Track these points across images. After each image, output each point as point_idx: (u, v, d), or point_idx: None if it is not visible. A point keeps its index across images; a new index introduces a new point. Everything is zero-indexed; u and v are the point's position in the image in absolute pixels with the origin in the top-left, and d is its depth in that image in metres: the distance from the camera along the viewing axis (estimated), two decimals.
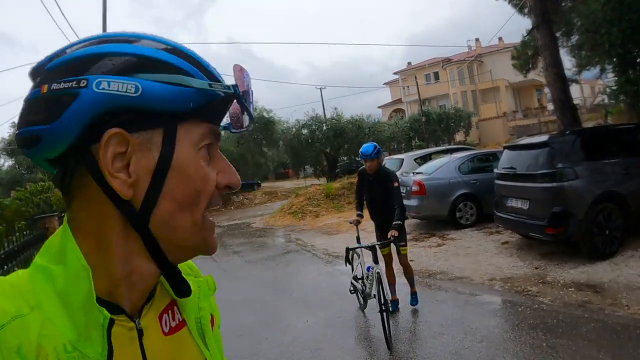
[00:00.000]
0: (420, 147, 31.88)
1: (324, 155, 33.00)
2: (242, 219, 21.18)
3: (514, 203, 8.55)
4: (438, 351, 5.12)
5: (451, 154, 13.82)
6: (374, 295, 5.72)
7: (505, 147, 9.62)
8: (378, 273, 5.69)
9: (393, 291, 6.56)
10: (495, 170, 9.46)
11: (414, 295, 6.62)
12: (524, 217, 8.25)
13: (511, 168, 8.70)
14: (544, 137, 8.69)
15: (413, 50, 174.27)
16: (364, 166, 6.46)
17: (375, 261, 5.88)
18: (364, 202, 6.75)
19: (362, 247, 6.21)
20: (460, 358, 4.89)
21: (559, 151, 7.75)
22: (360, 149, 6.31)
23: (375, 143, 6.47)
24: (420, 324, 6.06)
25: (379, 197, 6.39)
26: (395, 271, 6.73)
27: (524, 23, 53.88)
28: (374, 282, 5.77)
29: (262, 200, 29.41)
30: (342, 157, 35.97)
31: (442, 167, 12.16)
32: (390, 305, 5.81)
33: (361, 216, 6.69)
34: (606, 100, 20.81)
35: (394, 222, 5.95)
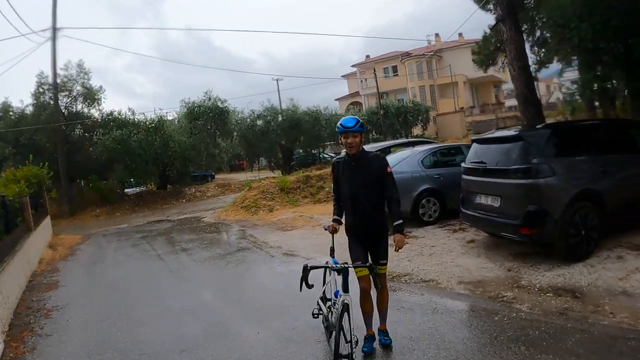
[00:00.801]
0: (378, 141, 31.60)
1: (279, 147, 32.48)
2: (193, 213, 20.37)
3: (483, 200, 8.00)
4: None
5: (413, 147, 13.27)
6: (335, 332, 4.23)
7: (474, 141, 9.02)
8: (346, 305, 4.22)
9: (369, 324, 4.94)
10: (463, 165, 8.86)
11: (384, 333, 5.08)
12: (494, 215, 7.70)
13: (481, 163, 8.14)
14: (516, 131, 8.14)
15: (372, 44, 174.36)
16: (337, 157, 5.09)
17: (345, 288, 4.28)
18: (342, 200, 5.04)
19: (332, 268, 4.37)
20: None
21: (534, 145, 7.22)
22: (340, 122, 4.66)
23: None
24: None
25: (363, 191, 4.74)
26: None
27: (484, 20, 54.53)
28: (339, 315, 4.19)
29: (215, 192, 28.63)
30: (297, 149, 35.44)
31: (404, 160, 11.56)
32: (353, 349, 4.23)
33: (339, 222, 5.02)
34: (571, 97, 20.78)
35: (396, 223, 4.70)
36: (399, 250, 4.77)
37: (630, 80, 13.88)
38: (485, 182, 7.97)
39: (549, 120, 15.17)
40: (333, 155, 38.75)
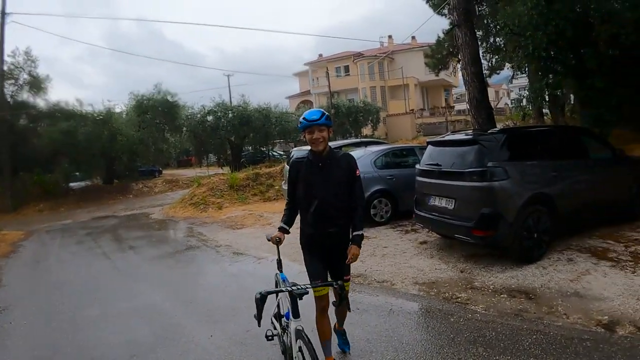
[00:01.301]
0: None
1: (229, 144, 32.10)
2: (140, 209, 19.89)
3: (437, 202, 8.02)
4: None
5: (365, 147, 13.24)
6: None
7: (429, 143, 9.05)
8: (299, 331, 3.62)
9: (328, 350, 4.33)
10: (418, 167, 8.89)
11: (343, 335, 4.83)
12: (448, 217, 7.73)
13: (436, 165, 8.16)
14: (472, 134, 8.24)
15: (325, 44, 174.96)
16: (295, 156, 4.48)
17: (296, 313, 3.63)
18: (297, 208, 4.38)
19: (294, 292, 3.53)
20: None
21: (489, 149, 7.28)
22: (303, 115, 4.04)
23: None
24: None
25: (332, 198, 4.08)
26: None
27: (438, 25, 55.87)
28: (295, 346, 3.69)
29: (163, 188, 28.08)
30: (247, 146, 35.13)
31: (357, 160, 11.46)
32: None
33: (286, 231, 4.36)
34: (523, 103, 21.37)
35: (355, 233, 4.07)
36: (350, 259, 4.00)
37: (580, 89, 14.34)
38: (440, 184, 7.99)
39: (498, 125, 15.52)
40: (282, 153, 38.57)
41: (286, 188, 14.63)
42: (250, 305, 6.35)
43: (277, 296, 4.61)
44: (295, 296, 3.53)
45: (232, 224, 13.79)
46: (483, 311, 5.65)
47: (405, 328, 5.36)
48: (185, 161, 50.37)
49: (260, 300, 3.44)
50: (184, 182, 29.40)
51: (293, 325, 3.65)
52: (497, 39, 19.53)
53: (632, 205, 9.00)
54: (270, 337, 4.48)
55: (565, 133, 9.27)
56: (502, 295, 6.05)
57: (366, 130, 42.51)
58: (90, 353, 5.36)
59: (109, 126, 26.56)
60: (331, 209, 4.07)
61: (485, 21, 19.84)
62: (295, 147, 24.74)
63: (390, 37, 59.01)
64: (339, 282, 3.60)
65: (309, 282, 3.97)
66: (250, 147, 36.03)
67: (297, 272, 8.08)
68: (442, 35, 23.87)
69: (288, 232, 4.38)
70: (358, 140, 19.58)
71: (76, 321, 6.57)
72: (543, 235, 7.31)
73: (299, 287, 3.56)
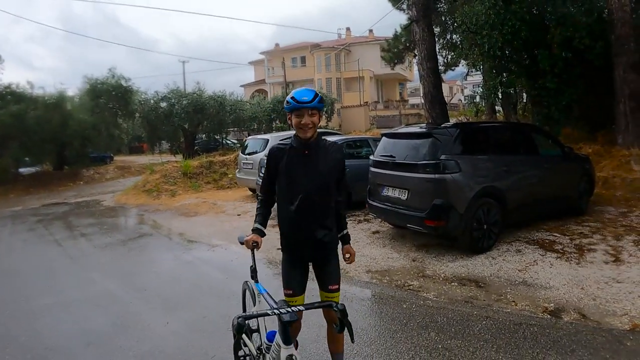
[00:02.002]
0: (281, 129, 31.56)
1: (182, 131, 31.68)
2: (91, 196, 19.45)
3: (390, 192, 8.15)
4: (322, 357, 4.49)
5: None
6: None
7: (383, 135, 9.18)
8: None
9: None
10: (372, 158, 9.02)
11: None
12: (401, 208, 7.88)
13: (390, 156, 8.29)
14: (426, 127, 8.43)
15: (283, 33, 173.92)
16: (276, 144, 3.63)
17: (287, 339, 2.82)
18: (275, 204, 3.69)
19: (280, 316, 2.75)
20: None
21: (442, 142, 7.46)
22: (291, 94, 3.36)
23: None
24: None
25: (319, 193, 3.44)
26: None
27: (396, 19, 56.17)
28: None
29: (114, 175, 27.56)
30: (201, 134, 34.73)
31: None
32: None
33: (262, 232, 3.61)
34: (477, 99, 21.84)
35: (346, 231, 3.74)
36: (347, 257, 3.66)
37: (532, 89, 14.80)
38: (394, 176, 8.12)
39: (451, 120, 15.84)
40: (236, 141, 38.26)
41: (241, 177, 14.36)
42: (206, 292, 6.43)
43: (244, 304, 4.10)
44: (285, 323, 2.71)
45: (186, 211, 13.67)
46: (434, 298, 5.83)
47: (359, 314, 5.46)
48: (137, 148, 49.42)
49: (238, 330, 2.70)
50: (136, 169, 28.93)
51: (284, 353, 2.80)
52: (454, 36, 19.88)
53: (579, 200, 9.43)
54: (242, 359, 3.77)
55: (517, 130, 9.56)
56: (452, 283, 6.25)
57: (320, 121, 42.62)
58: (45, 342, 5.21)
59: (60, 110, 25.66)
60: (317, 206, 3.45)
61: (443, 18, 20.18)
62: (249, 135, 24.63)
63: (348, 29, 59.38)
64: (338, 305, 2.83)
65: (288, 297, 3.47)
66: (204, 135, 35.60)
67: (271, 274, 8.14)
68: (399, 30, 24.14)
69: (264, 234, 3.62)
70: None
71: (29, 310, 6.35)
72: (492, 227, 7.57)
73: (286, 309, 2.73)
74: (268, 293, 3.33)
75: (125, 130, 33.18)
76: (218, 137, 36.06)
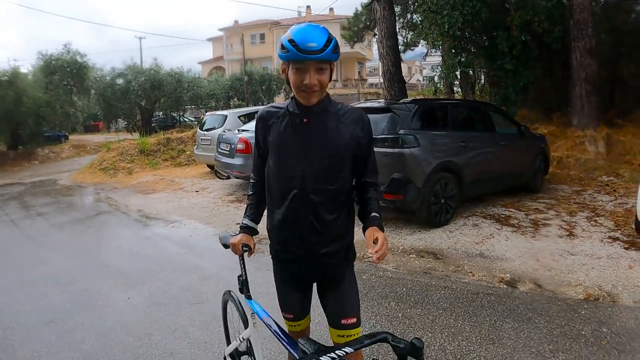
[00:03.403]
0: (240, 107, 31.38)
1: (139, 109, 31.20)
2: (47, 175, 18.91)
3: None
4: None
5: None
6: None
7: None
8: None
9: None
10: None
11: None
12: None
13: None
14: (384, 103, 8.51)
15: (242, 10, 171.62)
16: (267, 107, 2.56)
17: None
18: (268, 194, 2.53)
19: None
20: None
21: (402, 118, 7.51)
22: (290, 34, 2.15)
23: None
24: (260, 296, 5.20)
25: (318, 179, 2.31)
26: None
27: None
28: None
29: (70, 154, 26.85)
30: (158, 111, 34.26)
31: None
32: None
33: (253, 231, 2.63)
34: (436, 79, 22.11)
35: (374, 214, 2.37)
36: (378, 260, 2.20)
37: (490, 69, 15.06)
38: None
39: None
40: (193, 119, 37.82)
41: (199, 153, 14.11)
42: (167, 267, 6.38)
43: (224, 317, 3.35)
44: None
45: (143, 189, 13.48)
46: (394, 269, 5.93)
47: None
48: (93, 126, 48.39)
49: None
50: (92, 147, 28.29)
51: None
52: (415, 15, 19.98)
53: (534, 178, 9.66)
54: None
55: (474, 107, 9.72)
56: (411, 256, 6.36)
57: (279, 99, 42.46)
58: (4, 322, 5.03)
59: (14, 88, 24.79)
60: (320, 204, 2.33)
61: None
62: (207, 112, 24.33)
63: (308, 7, 58.91)
64: (413, 341, 1.57)
65: (288, 321, 2.68)
66: (161, 113, 35.18)
67: (211, 234, 8.13)
68: (360, 9, 24.17)
69: (256, 233, 2.64)
70: None
71: None
72: (450, 201, 7.72)
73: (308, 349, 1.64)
74: (274, 320, 2.47)
75: (80, 108, 32.42)
76: (175, 114, 35.67)
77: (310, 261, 2.41)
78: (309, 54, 2.10)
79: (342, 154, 2.35)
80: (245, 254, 2.61)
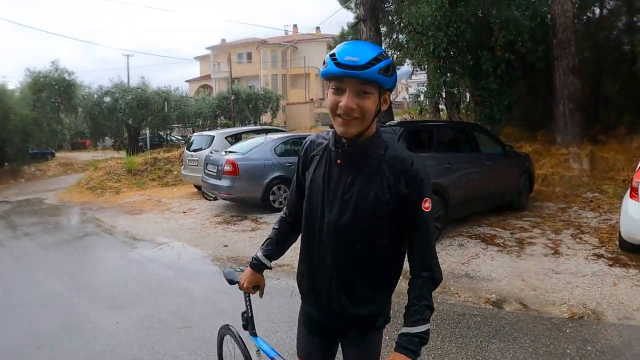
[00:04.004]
0: (227, 126, 31.44)
1: (126, 127, 31.15)
2: (33, 194, 18.77)
3: None
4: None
5: (266, 134, 13.35)
6: None
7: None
8: None
9: None
10: None
11: None
12: None
13: None
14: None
15: (230, 29, 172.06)
16: (316, 135, 2.19)
17: None
18: (297, 230, 2.28)
19: None
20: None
21: None
22: (334, 50, 1.83)
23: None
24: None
25: (350, 229, 1.93)
26: None
27: (343, 18, 56.79)
28: None
29: (57, 172, 26.66)
30: (145, 130, 34.18)
31: (257, 147, 11.62)
32: None
33: (263, 266, 2.46)
34: (421, 98, 22.34)
35: (416, 330, 1.80)
36: None
37: (475, 89, 15.25)
38: None
39: (396, 118, 16.14)
40: (180, 138, 37.77)
41: (186, 174, 14.09)
42: (155, 290, 6.39)
43: (220, 356, 3.13)
44: None
45: (131, 209, 13.43)
46: None
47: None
48: (80, 144, 48.18)
49: None
50: (79, 165, 28.14)
51: None
52: (400, 36, 20.23)
53: (519, 197, 9.79)
54: None
55: (459, 128, 9.89)
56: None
57: (265, 118, 42.58)
58: None
59: (1, 105, 24.60)
60: (352, 258, 1.98)
61: (390, 18, 20.51)
62: (194, 132, 24.30)
63: (295, 26, 59.64)
64: None
65: None
66: (148, 131, 35.11)
67: (199, 256, 8.14)
68: (346, 28, 24.44)
69: (268, 267, 2.45)
70: (259, 127, 19.70)
71: None
72: (435, 222, 7.68)
73: None
74: (268, 350, 2.38)
75: (67, 126, 32.28)
76: (162, 133, 35.62)
77: (338, 318, 2.07)
78: (347, 69, 1.75)
79: (375, 216, 1.90)
80: (253, 293, 2.45)
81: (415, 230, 1.91)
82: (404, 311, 1.87)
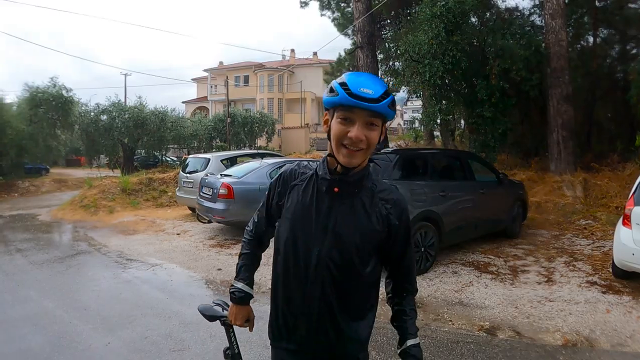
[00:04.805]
0: (222, 148, 31.47)
1: (121, 146, 31.10)
2: (27, 209, 18.69)
3: None
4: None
5: (262, 158, 13.38)
6: None
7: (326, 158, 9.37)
8: None
9: None
10: None
11: None
12: None
13: None
14: None
15: (227, 52, 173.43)
16: (293, 165, 2.20)
17: None
18: (275, 261, 2.15)
19: None
20: None
21: (382, 168, 7.63)
22: (344, 77, 1.86)
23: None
24: (242, 344, 5.17)
25: (346, 260, 1.96)
26: None
27: (340, 44, 57.26)
28: None
29: (51, 188, 26.54)
30: (140, 149, 34.14)
31: (253, 171, 11.61)
32: None
33: (249, 297, 2.35)
34: (416, 125, 22.56)
35: (411, 342, 2.07)
36: None
37: (470, 116, 15.39)
38: None
39: (391, 144, 16.26)
40: (175, 159, 37.74)
41: (181, 195, 14.03)
42: (147, 312, 6.36)
43: None
44: None
45: (124, 229, 13.39)
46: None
47: None
48: (75, 161, 48.14)
49: None
50: (73, 182, 28.05)
51: None
52: (397, 63, 20.44)
53: (513, 224, 9.82)
54: None
55: (454, 156, 9.95)
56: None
57: (260, 141, 42.59)
58: None
59: None
60: (338, 289, 1.98)
61: (386, 45, 20.74)
62: (189, 153, 24.26)
63: (292, 51, 59.89)
64: None
65: None
66: (143, 151, 35.04)
67: (192, 279, 8.11)
68: (343, 54, 24.64)
69: (252, 296, 2.35)
70: (254, 151, 19.70)
71: None
72: (429, 249, 7.80)
73: None
74: None
75: (63, 142, 32.28)
76: (158, 153, 35.59)
77: (318, 347, 2.01)
78: (361, 101, 1.78)
79: (368, 243, 1.97)
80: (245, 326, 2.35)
81: (405, 256, 2.10)
82: (398, 324, 2.12)
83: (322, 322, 1.96)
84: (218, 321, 2.43)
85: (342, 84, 1.81)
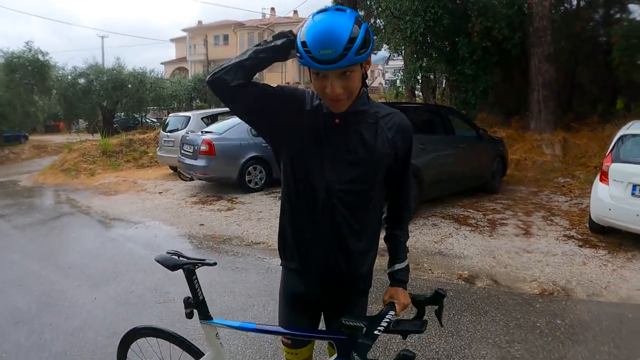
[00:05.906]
0: (202, 108, 31.23)
1: (100, 109, 30.73)
2: (7, 176, 18.47)
3: None
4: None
5: None
6: None
7: None
8: None
9: None
10: None
11: None
12: None
13: None
14: None
15: (206, 11, 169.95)
16: (310, 89, 2.02)
17: None
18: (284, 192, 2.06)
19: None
20: None
21: None
22: (305, 32, 1.68)
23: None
24: (225, 295, 5.34)
25: (349, 188, 1.91)
26: None
27: (322, 2, 56.56)
28: None
29: (30, 155, 26.26)
30: (120, 112, 33.77)
31: (234, 127, 11.54)
32: None
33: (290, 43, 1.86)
34: (397, 83, 22.51)
35: (399, 266, 2.14)
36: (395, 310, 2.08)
37: (451, 74, 15.45)
38: None
39: None
40: (155, 120, 37.39)
41: (162, 155, 13.86)
42: (132, 268, 6.40)
43: None
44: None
45: (106, 190, 13.33)
46: None
47: None
48: (54, 127, 47.40)
49: None
50: (52, 148, 27.75)
51: None
52: (378, 20, 20.31)
53: (492, 180, 9.95)
54: None
55: (434, 111, 10.02)
56: None
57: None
58: None
59: None
60: (349, 216, 1.95)
61: (367, 2, 20.57)
62: (169, 114, 24.04)
63: (272, 9, 59.00)
64: (439, 290, 2.05)
65: (286, 347, 2.23)
66: (122, 113, 34.66)
67: (175, 234, 8.17)
68: None
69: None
70: None
71: None
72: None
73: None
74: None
75: (41, 108, 31.80)
76: (137, 115, 35.25)
77: (331, 273, 2.03)
78: (323, 64, 1.66)
79: (375, 165, 1.94)
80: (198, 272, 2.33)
81: (405, 174, 2.11)
82: (390, 246, 2.16)
83: (332, 247, 1.97)
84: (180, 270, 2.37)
85: (304, 44, 1.68)
